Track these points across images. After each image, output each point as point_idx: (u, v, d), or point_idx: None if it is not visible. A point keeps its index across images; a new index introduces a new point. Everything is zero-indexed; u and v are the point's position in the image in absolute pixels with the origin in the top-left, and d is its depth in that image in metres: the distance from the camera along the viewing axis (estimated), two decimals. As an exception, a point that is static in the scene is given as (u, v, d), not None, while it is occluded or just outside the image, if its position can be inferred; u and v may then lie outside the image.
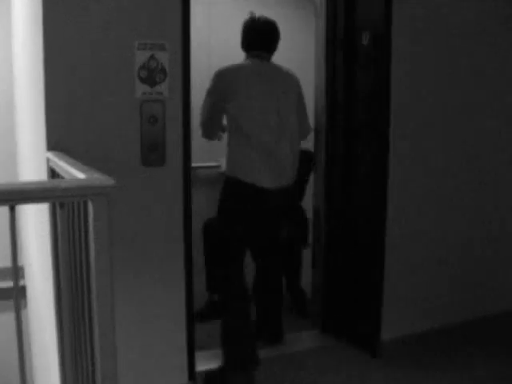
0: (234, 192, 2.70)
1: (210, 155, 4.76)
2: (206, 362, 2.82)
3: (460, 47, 3.09)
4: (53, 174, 1.82)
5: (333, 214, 3.12)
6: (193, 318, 2.52)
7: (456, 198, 3.19)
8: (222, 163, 4.31)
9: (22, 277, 3.84)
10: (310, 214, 3.42)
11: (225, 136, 2.91)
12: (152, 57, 2.22)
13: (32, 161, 2.83)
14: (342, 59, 3.02)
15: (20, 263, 3.79)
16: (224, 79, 2.69)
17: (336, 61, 3.05)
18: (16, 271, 1.19)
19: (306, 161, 3.15)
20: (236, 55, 4.49)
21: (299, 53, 4.77)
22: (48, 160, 1.90)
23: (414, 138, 2.98)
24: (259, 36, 2.84)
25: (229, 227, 2.70)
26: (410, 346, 3.01)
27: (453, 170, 3.16)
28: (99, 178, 1.21)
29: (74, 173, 1.37)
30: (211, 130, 2.83)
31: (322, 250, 3.19)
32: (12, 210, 1.10)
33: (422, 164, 3.03)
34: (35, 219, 2.73)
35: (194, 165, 2.59)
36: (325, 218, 3.15)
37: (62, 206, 1.38)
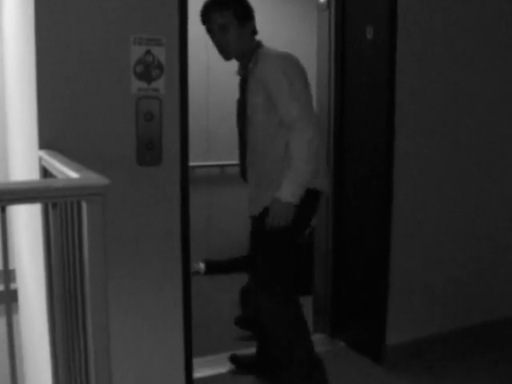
0: (311, 205, 2.52)
1: (209, 154, 4.77)
2: (204, 369, 2.83)
3: (469, 42, 3.09)
4: (45, 173, 1.82)
5: (339, 221, 3.14)
6: (190, 322, 2.52)
7: (462, 202, 3.19)
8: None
9: (14, 280, 3.84)
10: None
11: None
12: (148, 52, 2.22)
13: (23, 159, 2.83)
14: (346, 54, 3.02)
15: (11, 266, 3.80)
16: (300, 64, 2.44)
17: (340, 55, 3.05)
18: (7, 274, 1.19)
19: None
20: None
21: (299, 45, 4.78)
22: (40, 159, 1.90)
23: (418, 139, 2.98)
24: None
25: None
26: (414, 352, 3.02)
27: (459, 173, 3.16)
28: (93, 178, 1.21)
29: (67, 172, 1.37)
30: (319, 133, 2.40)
31: (330, 255, 3.19)
32: (3, 210, 1.11)
33: (427, 165, 3.03)
34: (27, 220, 2.73)
35: (191, 164, 2.59)
36: (332, 225, 3.16)
37: (54, 206, 1.38)
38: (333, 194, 3.14)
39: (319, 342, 3.18)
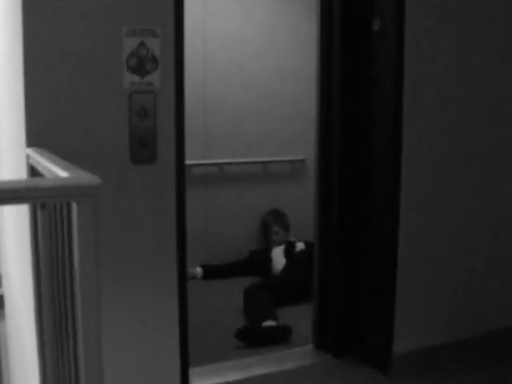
0: None
1: (207, 152, 4.78)
2: (201, 379, 2.83)
3: (482, 35, 3.09)
4: (33, 172, 1.82)
5: (344, 222, 3.14)
6: (187, 330, 2.52)
7: (472, 207, 3.19)
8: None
9: (0, 286, 3.84)
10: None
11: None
12: (142, 44, 2.22)
13: (10, 158, 2.84)
14: (351, 47, 3.02)
15: (-3, 270, 3.79)
16: None
17: (344, 48, 3.05)
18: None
19: None
20: (234, 42, 4.51)
21: (301, 37, 4.79)
22: (28, 157, 1.91)
23: (427, 136, 2.99)
24: None
25: None
26: (422, 362, 3.02)
27: (468, 174, 3.16)
28: (84, 177, 1.21)
29: (56, 171, 1.38)
30: None
31: (333, 261, 3.19)
32: (-12, 211, 1.11)
33: (435, 164, 3.03)
34: (14, 222, 2.74)
35: (188, 162, 2.60)
36: (335, 229, 3.16)
37: (43, 207, 1.39)
38: (337, 195, 3.13)
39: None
